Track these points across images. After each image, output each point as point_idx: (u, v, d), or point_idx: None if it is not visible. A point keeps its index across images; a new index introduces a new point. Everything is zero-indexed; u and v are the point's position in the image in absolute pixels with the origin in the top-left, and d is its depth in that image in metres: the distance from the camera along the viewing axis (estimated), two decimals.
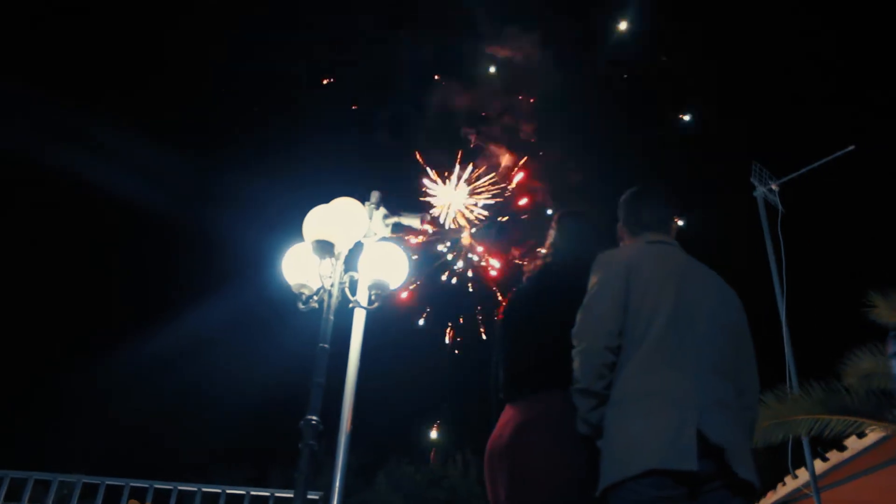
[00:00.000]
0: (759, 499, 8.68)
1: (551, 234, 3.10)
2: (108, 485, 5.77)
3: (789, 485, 7.65)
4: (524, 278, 3.06)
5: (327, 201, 3.98)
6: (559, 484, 2.48)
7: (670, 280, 2.53)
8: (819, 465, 7.00)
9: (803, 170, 7.49)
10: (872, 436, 6.41)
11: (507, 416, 2.72)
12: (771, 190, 7.45)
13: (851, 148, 7.14)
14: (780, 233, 7.12)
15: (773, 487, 8.11)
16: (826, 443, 6.48)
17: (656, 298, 2.47)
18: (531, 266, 3.08)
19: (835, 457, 7.08)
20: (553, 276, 2.94)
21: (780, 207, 7.32)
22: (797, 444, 6.53)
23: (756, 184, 7.48)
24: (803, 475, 7.15)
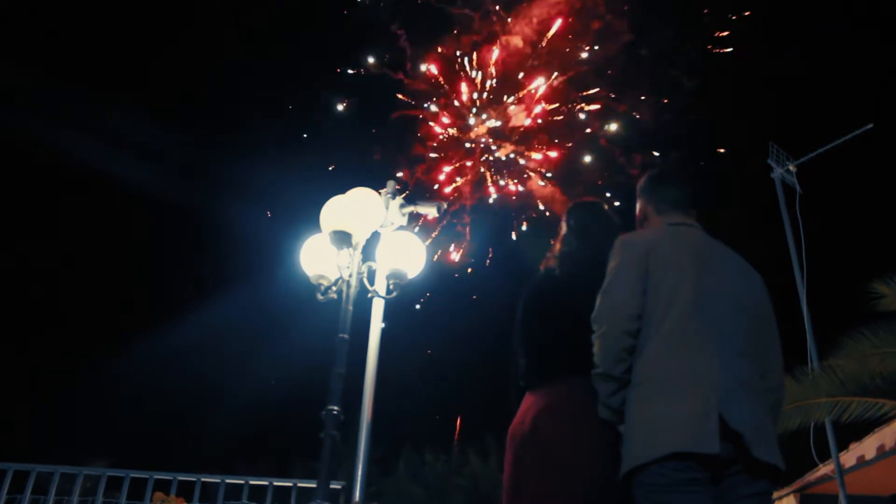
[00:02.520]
0: (785, 483, 8.64)
1: (563, 227, 3.10)
2: (132, 477, 5.83)
3: (813, 470, 7.60)
4: (541, 268, 3.05)
5: (342, 192, 3.97)
6: (582, 469, 2.48)
7: (690, 261, 2.51)
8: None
9: (821, 150, 7.40)
10: None
11: (529, 403, 2.73)
12: (788, 171, 7.37)
13: (869, 126, 7.05)
14: (798, 214, 7.05)
15: (799, 474, 8.06)
16: (846, 426, 6.39)
17: (676, 280, 2.46)
18: (548, 259, 3.07)
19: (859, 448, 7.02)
20: (568, 264, 2.94)
21: (797, 188, 7.24)
22: (818, 429, 6.45)
23: (773, 165, 7.40)
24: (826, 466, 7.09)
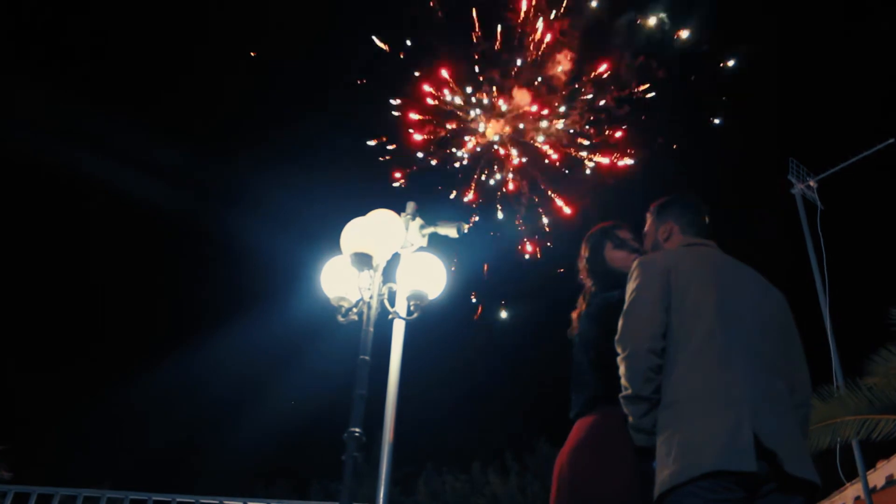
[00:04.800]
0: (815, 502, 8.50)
1: (583, 255, 3.14)
2: (155, 500, 5.84)
3: (840, 490, 7.48)
4: (582, 304, 3.08)
5: (361, 214, 3.99)
6: (619, 496, 2.47)
7: (711, 279, 2.51)
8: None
9: (842, 165, 7.35)
10: None
11: (572, 432, 2.77)
12: (809, 187, 7.33)
13: (891, 141, 7.00)
14: (819, 230, 7.00)
15: (825, 493, 7.93)
16: (872, 444, 6.27)
17: (698, 298, 2.45)
18: (584, 293, 3.10)
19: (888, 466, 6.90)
20: (594, 295, 2.99)
21: (818, 204, 7.19)
22: (845, 446, 6.34)
23: (794, 181, 7.36)
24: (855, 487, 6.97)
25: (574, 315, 3.06)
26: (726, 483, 2.17)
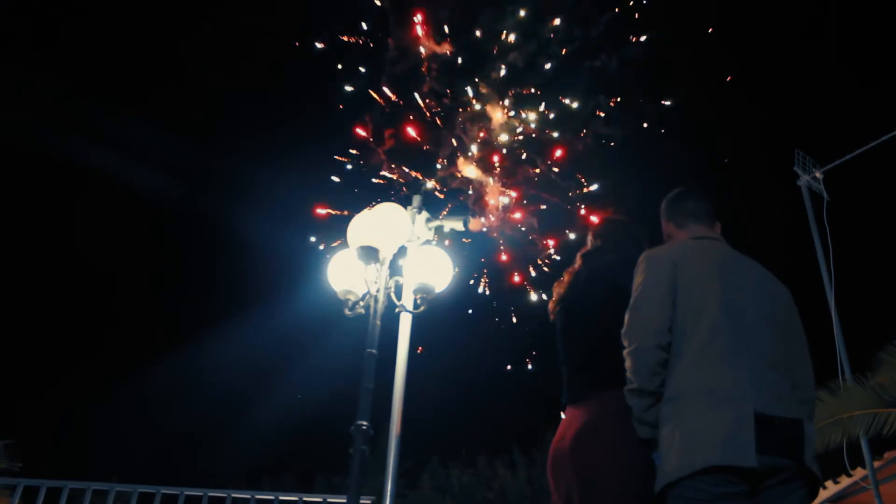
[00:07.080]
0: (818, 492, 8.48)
1: (591, 237, 3.13)
2: (163, 493, 5.86)
3: (846, 480, 7.46)
4: (566, 279, 3.05)
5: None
6: (623, 484, 2.47)
7: (717, 275, 2.51)
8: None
9: (848, 156, 7.32)
10: None
11: (569, 419, 2.74)
12: (815, 178, 7.30)
13: None
14: (826, 222, 6.97)
15: (833, 480, 7.91)
16: (883, 438, 6.24)
17: (704, 294, 2.45)
18: (571, 269, 3.07)
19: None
20: (595, 278, 2.95)
21: (825, 195, 7.16)
22: (852, 440, 6.32)
23: (800, 172, 7.33)
24: (859, 473, 6.96)
25: (559, 288, 3.03)
26: (728, 477, 2.18)
